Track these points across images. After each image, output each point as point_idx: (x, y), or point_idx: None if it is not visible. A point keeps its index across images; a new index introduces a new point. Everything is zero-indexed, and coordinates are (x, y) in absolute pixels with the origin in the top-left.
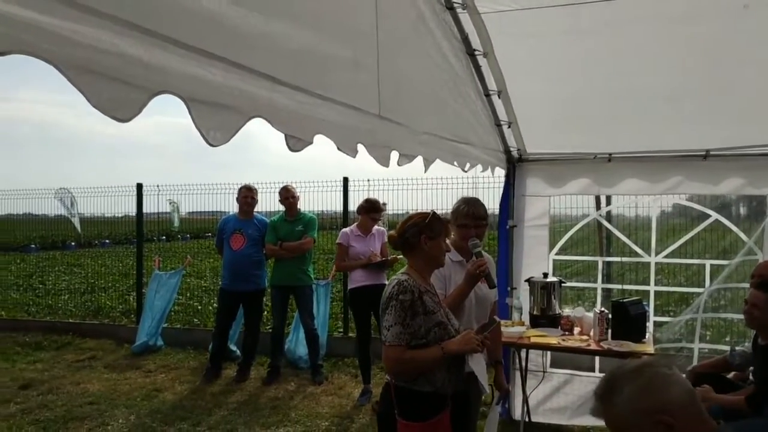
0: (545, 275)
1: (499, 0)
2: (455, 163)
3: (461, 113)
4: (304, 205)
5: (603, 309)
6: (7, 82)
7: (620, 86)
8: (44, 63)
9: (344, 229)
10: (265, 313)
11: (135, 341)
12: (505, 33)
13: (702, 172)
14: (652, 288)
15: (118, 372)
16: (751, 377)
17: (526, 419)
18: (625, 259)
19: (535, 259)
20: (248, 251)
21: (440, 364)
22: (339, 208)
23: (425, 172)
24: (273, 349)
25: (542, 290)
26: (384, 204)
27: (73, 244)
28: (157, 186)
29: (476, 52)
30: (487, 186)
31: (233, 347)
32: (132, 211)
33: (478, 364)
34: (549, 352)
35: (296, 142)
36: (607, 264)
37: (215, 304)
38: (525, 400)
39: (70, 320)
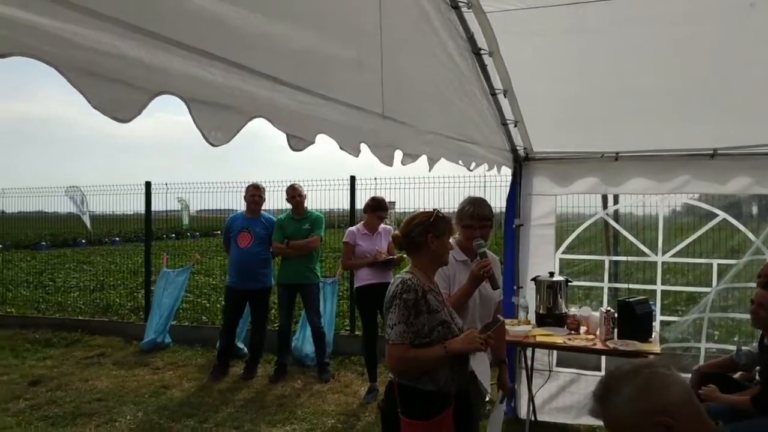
0: (551, 274)
1: None
2: (460, 162)
3: (467, 112)
4: (312, 204)
5: (609, 308)
6: (13, 80)
7: (627, 85)
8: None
9: (351, 228)
10: (273, 311)
11: (143, 338)
12: (510, 32)
13: (709, 171)
14: (658, 287)
15: (126, 369)
16: (757, 377)
17: (532, 418)
18: (631, 258)
19: (542, 258)
20: (255, 249)
21: (443, 363)
22: (347, 206)
23: (429, 171)
24: (280, 347)
25: (548, 289)
26: (392, 203)
27: (83, 241)
28: (166, 184)
29: (482, 51)
30: (496, 185)
31: (241, 345)
32: (142, 208)
33: (480, 364)
34: (555, 351)
35: (298, 142)
36: (615, 263)
37: (223, 302)
38: (531, 399)
39: (80, 317)
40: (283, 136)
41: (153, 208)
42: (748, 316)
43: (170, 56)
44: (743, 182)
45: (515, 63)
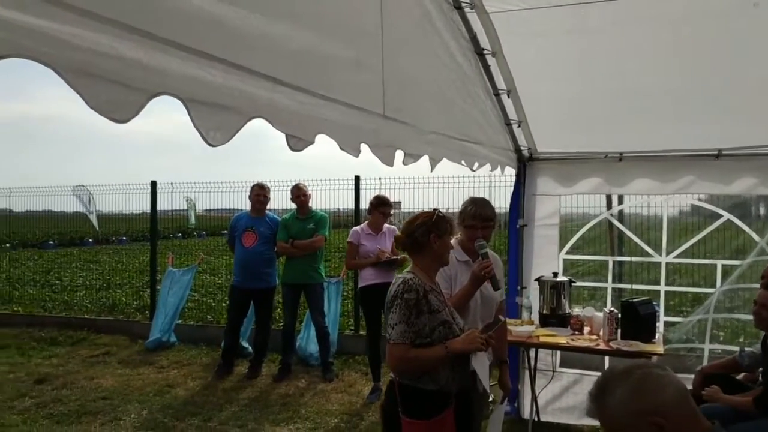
0: (555, 274)
1: None
2: (463, 162)
3: (470, 112)
4: (317, 204)
5: (612, 309)
6: (14, 80)
7: (631, 85)
8: None
9: (355, 228)
10: (278, 310)
11: (148, 337)
12: (513, 32)
13: (714, 171)
14: (662, 288)
15: (131, 367)
16: (760, 378)
17: (535, 418)
18: (635, 259)
19: (545, 259)
20: (260, 249)
21: (444, 363)
22: (351, 206)
23: (431, 171)
24: (284, 346)
25: (552, 289)
26: (398, 203)
27: (90, 240)
28: (171, 183)
29: (485, 52)
30: (502, 184)
31: (245, 344)
32: (148, 208)
33: (481, 364)
34: (558, 352)
35: (297, 142)
36: (619, 264)
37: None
38: (534, 399)
39: (86, 316)
40: None
41: (159, 208)
42: (752, 317)
43: (168, 57)
44: (748, 183)
45: (518, 63)
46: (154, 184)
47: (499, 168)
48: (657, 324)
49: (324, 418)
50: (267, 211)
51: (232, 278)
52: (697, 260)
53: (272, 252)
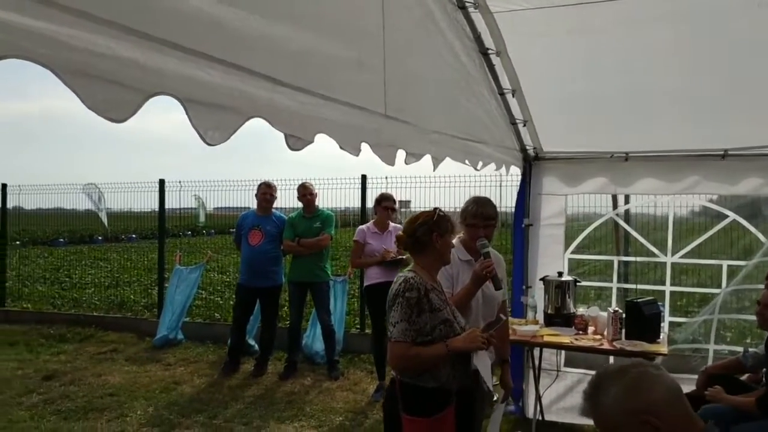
0: (560, 274)
1: None
2: (467, 161)
3: (474, 112)
4: (325, 202)
5: (617, 309)
6: (14, 81)
7: (636, 85)
8: None
9: (361, 227)
10: (284, 308)
11: (156, 335)
12: (518, 32)
13: (720, 171)
14: (668, 288)
15: (138, 365)
16: (764, 379)
17: (540, 417)
18: (639, 259)
19: (551, 258)
20: (266, 247)
21: (445, 361)
22: (358, 204)
23: (434, 170)
24: (290, 344)
25: (557, 289)
26: (407, 201)
27: (100, 238)
28: (179, 182)
29: (489, 51)
30: (510, 184)
31: (252, 342)
32: (157, 206)
33: (482, 362)
34: (563, 351)
35: (296, 141)
36: (625, 264)
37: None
38: (538, 399)
39: (94, 313)
40: None
41: (169, 206)
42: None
43: (166, 58)
44: (754, 183)
45: (523, 63)
46: (162, 182)
47: (504, 167)
48: (662, 324)
49: (329, 416)
50: (273, 210)
51: (238, 276)
52: (702, 260)
53: (278, 250)
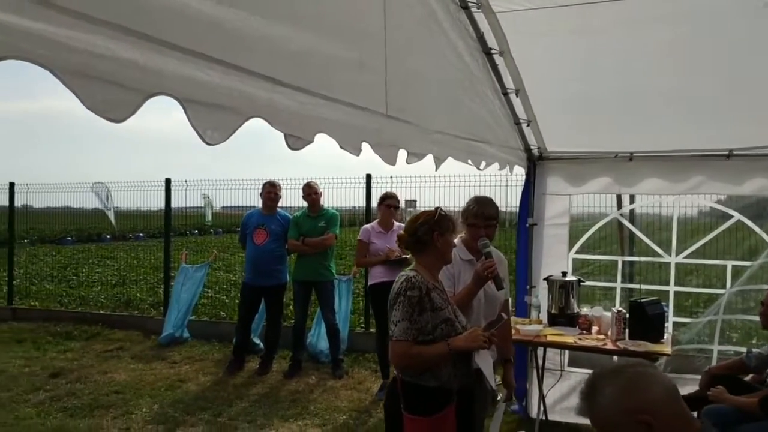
0: (564, 274)
1: None
2: (469, 161)
3: (477, 112)
4: (330, 202)
5: (620, 309)
6: (15, 81)
7: (640, 85)
8: None
9: (365, 226)
10: (289, 307)
11: (162, 333)
12: (521, 32)
13: (725, 172)
14: (671, 288)
15: (144, 362)
16: (767, 380)
17: (543, 417)
18: (643, 259)
19: (555, 258)
20: (270, 246)
21: (446, 360)
22: (363, 204)
23: (436, 170)
24: (295, 343)
25: (560, 289)
26: (414, 201)
27: (108, 236)
28: (185, 181)
29: (492, 51)
30: (517, 183)
31: (257, 340)
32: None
33: (485, 361)
34: (567, 351)
35: (296, 141)
36: (630, 264)
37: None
38: (542, 398)
39: (101, 311)
40: None
41: (176, 205)
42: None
43: (165, 58)
44: (760, 183)
45: (527, 63)
46: (168, 181)
47: (508, 167)
48: (666, 324)
49: (333, 415)
50: (278, 209)
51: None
52: (707, 261)
53: (283, 249)
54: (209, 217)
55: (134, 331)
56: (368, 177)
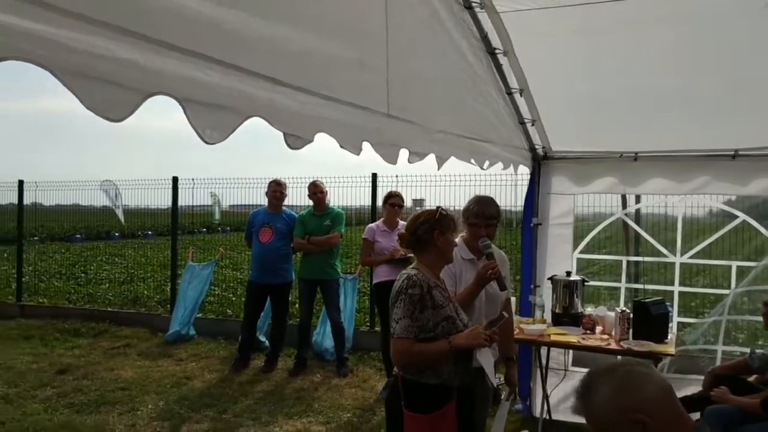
0: (568, 273)
1: None
2: (472, 161)
3: (481, 111)
4: (337, 200)
5: (624, 308)
6: (13, 80)
7: (645, 85)
8: None
9: (370, 225)
10: (295, 305)
11: (168, 330)
12: (525, 32)
13: (730, 172)
14: (676, 288)
15: (150, 360)
16: None
17: (546, 417)
18: (648, 259)
19: (559, 258)
20: (276, 245)
21: (447, 358)
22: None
23: (438, 169)
24: (300, 341)
25: (564, 288)
26: (422, 200)
27: (116, 234)
28: (192, 179)
29: (496, 51)
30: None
31: (262, 338)
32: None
33: (486, 359)
34: (571, 351)
35: (296, 140)
36: (635, 263)
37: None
38: (545, 398)
39: (108, 308)
40: None
41: (183, 203)
42: None
43: (165, 59)
44: (765, 183)
45: (531, 62)
46: (175, 180)
47: (512, 167)
48: (670, 325)
49: (337, 413)
50: (284, 208)
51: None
52: (711, 261)
53: (289, 248)
54: (217, 216)
55: (141, 328)
56: (374, 176)
